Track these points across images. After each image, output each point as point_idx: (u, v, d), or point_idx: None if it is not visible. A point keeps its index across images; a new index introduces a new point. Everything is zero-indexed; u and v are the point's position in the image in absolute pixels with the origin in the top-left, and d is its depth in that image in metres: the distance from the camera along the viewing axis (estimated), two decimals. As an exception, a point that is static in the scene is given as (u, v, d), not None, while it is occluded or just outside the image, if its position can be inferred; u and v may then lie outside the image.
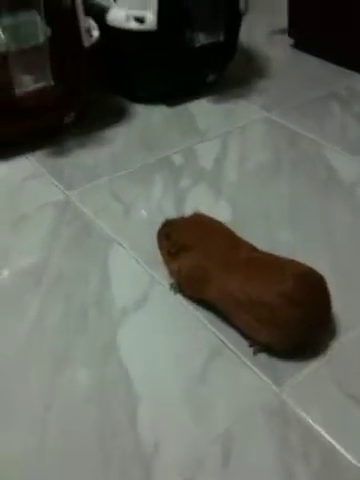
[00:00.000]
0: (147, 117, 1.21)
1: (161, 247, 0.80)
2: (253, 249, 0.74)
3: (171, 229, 0.77)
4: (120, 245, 0.88)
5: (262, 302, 0.68)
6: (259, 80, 1.35)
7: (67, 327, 0.75)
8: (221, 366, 0.71)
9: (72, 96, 1.08)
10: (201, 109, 1.23)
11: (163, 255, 0.80)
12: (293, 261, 0.72)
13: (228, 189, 1.00)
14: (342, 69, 1.40)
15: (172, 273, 0.79)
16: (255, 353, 0.72)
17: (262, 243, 0.78)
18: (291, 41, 1.51)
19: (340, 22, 1.35)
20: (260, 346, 0.72)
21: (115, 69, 1.22)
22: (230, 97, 1.27)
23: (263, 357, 0.72)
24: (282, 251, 0.76)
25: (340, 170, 1.05)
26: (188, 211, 0.94)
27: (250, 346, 0.72)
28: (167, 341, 0.74)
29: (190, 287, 0.77)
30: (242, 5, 1.18)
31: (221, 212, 0.94)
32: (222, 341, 0.74)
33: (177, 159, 1.08)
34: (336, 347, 0.73)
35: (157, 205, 0.97)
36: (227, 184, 1.02)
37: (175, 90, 1.24)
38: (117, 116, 1.20)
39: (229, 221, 0.91)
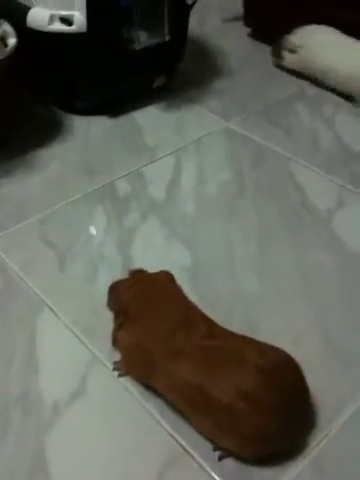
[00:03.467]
0: (86, 132, 1.03)
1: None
2: (209, 327, 0.58)
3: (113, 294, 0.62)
4: (52, 310, 0.72)
5: (221, 406, 0.53)
6: (214, 80, 1.17)
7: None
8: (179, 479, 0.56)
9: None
10: (149, 120, 1.05)
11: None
12: (258, 344, 0.57)
13: (183, 225, 0.84)
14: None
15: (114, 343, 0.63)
16: (220, 459, 0.57)
17: (224, 300, 0.71)
18: (248, 30, 1.33)
19: (301, 7, 1.18)
20: (226, 451, 0.57)
21: (46, 77, 1.03)
22: (182, 103, 1.09)
23: (231, 463, 0.57)
24: (248, 311, 0.69)
25: (313, 194, 0.89)
26: (135, 256, 0.79)
27: (214, 450, 0.58)
28: (110, 450, 0.58)
29: (130, 370, 0.62)
30: (190, -6, 1.00)
31: (176, 257, 0.79)
32: (179, 443, 0.59)
33: (122, 186, 0.91)
34: (319, 443, 0.59)
35: (98, 250, 0.80)
36: (182, 218, 0.85)
37: (117, 98, 1.06)
38: (50, 133, 1.02)
39: (186, 269, 0.77)
